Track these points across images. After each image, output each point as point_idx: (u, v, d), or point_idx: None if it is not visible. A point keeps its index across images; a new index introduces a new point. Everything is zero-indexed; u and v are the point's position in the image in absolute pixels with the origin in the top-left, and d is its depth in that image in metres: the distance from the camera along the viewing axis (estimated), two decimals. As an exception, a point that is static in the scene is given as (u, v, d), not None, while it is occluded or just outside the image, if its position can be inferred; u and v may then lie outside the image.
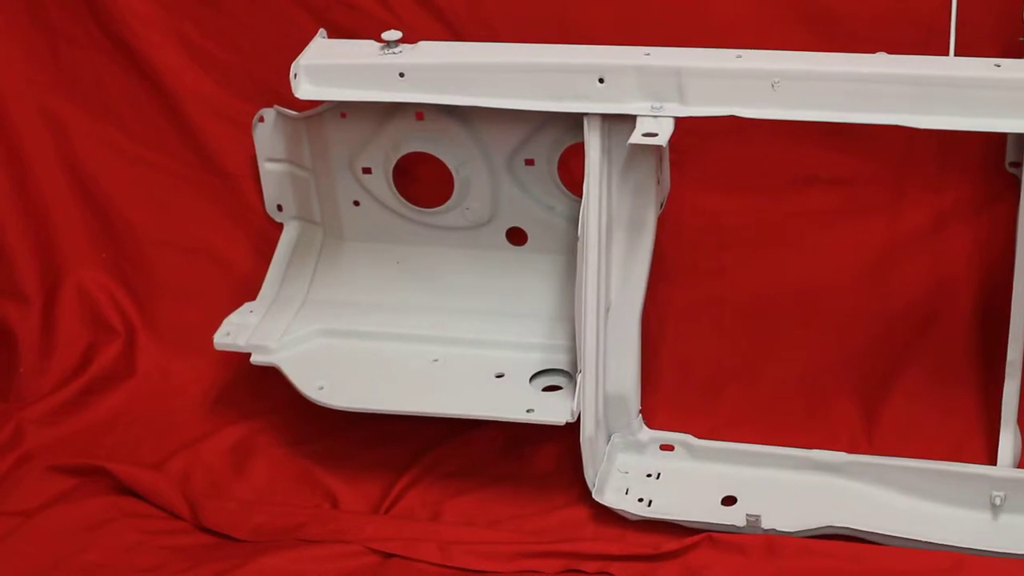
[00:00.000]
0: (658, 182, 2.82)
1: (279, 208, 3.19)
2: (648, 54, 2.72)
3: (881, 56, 2.68)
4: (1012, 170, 2.95)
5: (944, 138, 2.91)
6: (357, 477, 3.00)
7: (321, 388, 2.90)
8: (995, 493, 2.74)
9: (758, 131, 2.83)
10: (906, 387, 3.06)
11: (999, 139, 2.98)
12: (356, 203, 3.11)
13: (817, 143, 3.03)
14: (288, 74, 2.84)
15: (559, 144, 2.93)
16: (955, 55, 2.69)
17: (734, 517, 2.77)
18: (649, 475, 2.90)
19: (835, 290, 3.11)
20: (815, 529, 2.72)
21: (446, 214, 3.06)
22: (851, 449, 2.89)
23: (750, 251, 3.13)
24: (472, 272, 3.08)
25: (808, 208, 3.10)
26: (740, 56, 2.69)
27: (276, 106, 3.06)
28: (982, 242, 3.04)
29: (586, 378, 2.80)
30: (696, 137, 2.97)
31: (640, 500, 2.84)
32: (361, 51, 2.87)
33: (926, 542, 2.69)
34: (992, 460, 2.85)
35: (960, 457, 2.87)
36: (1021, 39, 2.77)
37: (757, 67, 2.65)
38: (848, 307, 3.11)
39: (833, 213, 3.10)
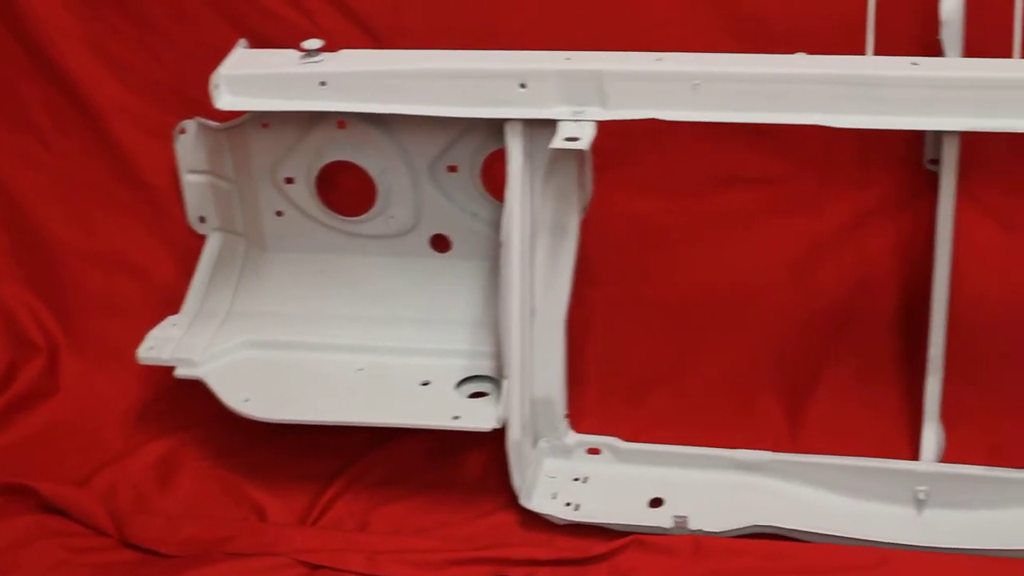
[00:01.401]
0: (581, 186, 2.82)
1: (201, 220, 3.16)
2: (569, 58, 2.73)
3: (800, 56, 2.69)
4: (931, 167, 2.97)
5: (865, 136, 2.93)
6: (284, 489, 2.98)
7: (246, 400, 2.88)
8: (919, 488, 2.76)
9: (680, 133, 2.86)
10: (830, 385, 3.08)
11: (918, 137, 3.01)
12: (279, 213, 3.09)
13: (740, 143, 3.04)
14: (208, 85, 2.84)
15: (482, 150, 2.93)
16: (873, 54, 2.72)
17: (661, 519, 2.77)
18: (576, 479, 2.90)
19: (759, 289, 3.13)
20: (741, 529, 2.73)
21: (369, 222, 3.05)
22: (776, 448, 2.90)
23: (674, 253, 3.14)
24: (396, 280, 3.06)
25: (731, 208, 3.12)
26: (660, 59, 2.70)
27: (197, 118, 3.05)
28: (903, 239, 3.07)
29: (512, 384, 2.80)
30: (619, 140, 2.97)
31: (568, 504, 2.84)
32: (282, 60, 2.85)
33: (851, 538, 2.71)
34: (916, 455, 2.88)
35: (884, 453, 2.88)
36: (938, 37, 2.80)
37: (677, 70, 2.66)
38: (772, 306, 3.13)
39: (756, 213, 3.11)
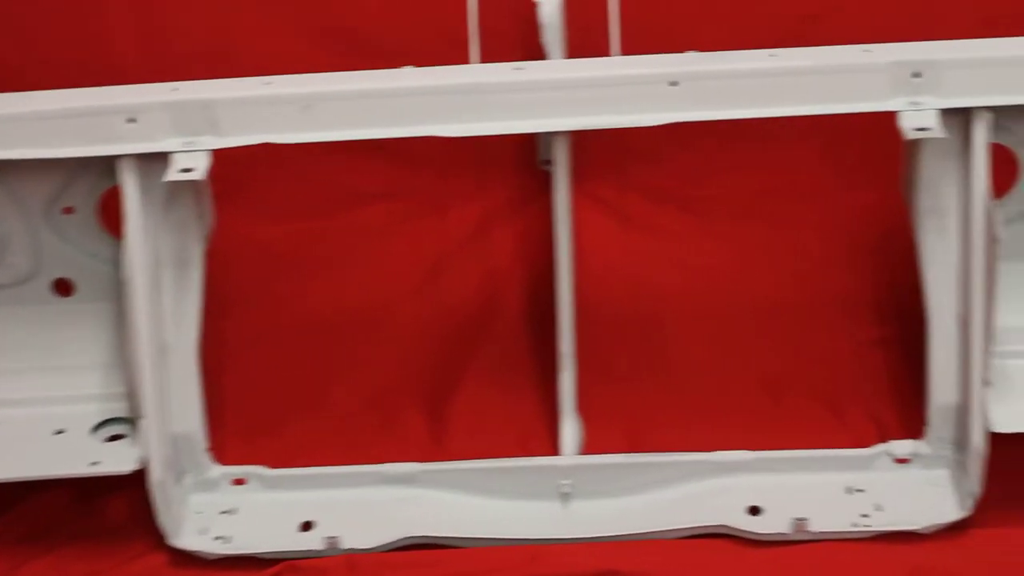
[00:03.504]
0: (200, 216, 2.79)
1: None
2: (176, 89, 2.70)
3: (408, 70, 2.72)
4: (545, 167, 3.05)
5: (480, 143, 2.94)
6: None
7: None
8: (562, 482, 2.82)
9: (300, 155, 2.85)
10: (469, 390, 3.11)
11: (531, 139, 3.09)
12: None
13: (361, 160, 3.08)
14: None
15: (96, 189, 2.85)
16: (479, 62, 2.77)
17: (313, 542, 2.77)
18: (225, 512, 2.86)
19: (392, 304, 3.16)
20: (394, 542, 2.75)
21: (-13, 273, 2.97)
22: (423, 458, 2.91)
23: (304, 275, 3.15)
24: (19, 329, 2.96)
25: (357, 225, 3.15)
26: (269, 83, 2.70)
27: None
28: (526, 240, 3.15)
29: (148, 423, 2.75)
30: (237, 167, 2.93)
31: (217, 538, 2.80)
32: None
33: (503, 539, 2.75)
34: (558, 451, 2.92)
35: (528, 452, 2.94)
36: (539, 41, 2.87)
37: (286, 92, 2.66)
38: (405, 319, 3.16)
39: (382, 228, 3.15)
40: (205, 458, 2.89)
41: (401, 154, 3.05)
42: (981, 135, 2.63)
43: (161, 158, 2.67)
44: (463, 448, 2.99)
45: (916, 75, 2.61)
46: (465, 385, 3.11)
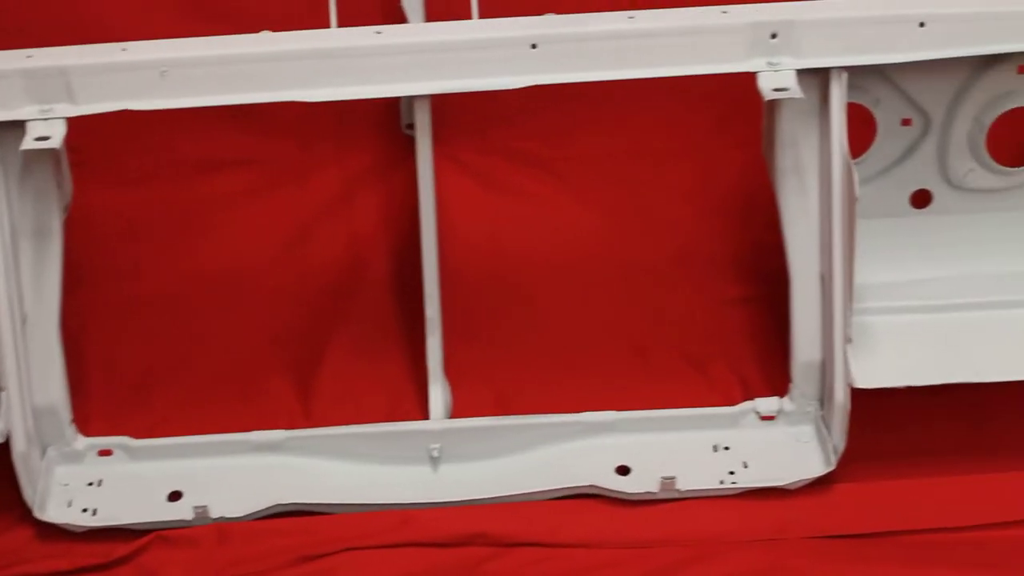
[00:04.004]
0: (59, 186, 2.74)
1: None
2: (30, 56, 2.64)
3: (265, 35, 2.68)
4: (409, 132, 3.04)
5: (342, 108, 2.95)
6: None
7: None
8: (432, 446, 2.83)
9: (159, 121, 2.80)
10: (336, 356, 3.10)
11: (394, 103, 3.07)
12: None
13: (220, 127, 3.05)
14: None
15: (-48, 159, 2.83)
16: (337, 26, 2.75)
17: (182, 511, 2.74)
18: (91, 483, 2.83)
19: (256, 271, 3.13)
20: (264, 510, 2.74)
21: None
22: (290, 425, 2.91)
23: (165, 244, 3.12)
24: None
25: (219, 192, 3.12)
26: (125, 49, 2.65)
27: None
28: (390, 205, 3.14)
29: (10, 394, 2.71)
30: (95, 135, 2.91)
31: (84, 510, 2.77)
32: None
33: (373, 504, 2.76)
34: (427, 415, 2.92)
35: (397, 417, 2.94)
36: (399, 5, 2.86)
37: (143, 58, 2.62)
38: (271, 286, 3.14)
39: (244, 194, 3.13)
40: (69, 430, 2.85)
41: (262, 120, 3.03)
42: (838, 95, 2.66)
43: (16, 126, 2.61)
44: (331, 415, 2.97)
45: (773, 36, 2.63)
46: (332, 352, 3.09)
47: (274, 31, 2.69)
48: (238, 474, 2.84)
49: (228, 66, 2.61)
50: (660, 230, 3.20)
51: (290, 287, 3.13)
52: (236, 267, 3.11)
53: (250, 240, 3.11)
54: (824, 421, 2.83)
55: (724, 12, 2.66)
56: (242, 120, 3.00)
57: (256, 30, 2.70)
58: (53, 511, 2.77)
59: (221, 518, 2.72)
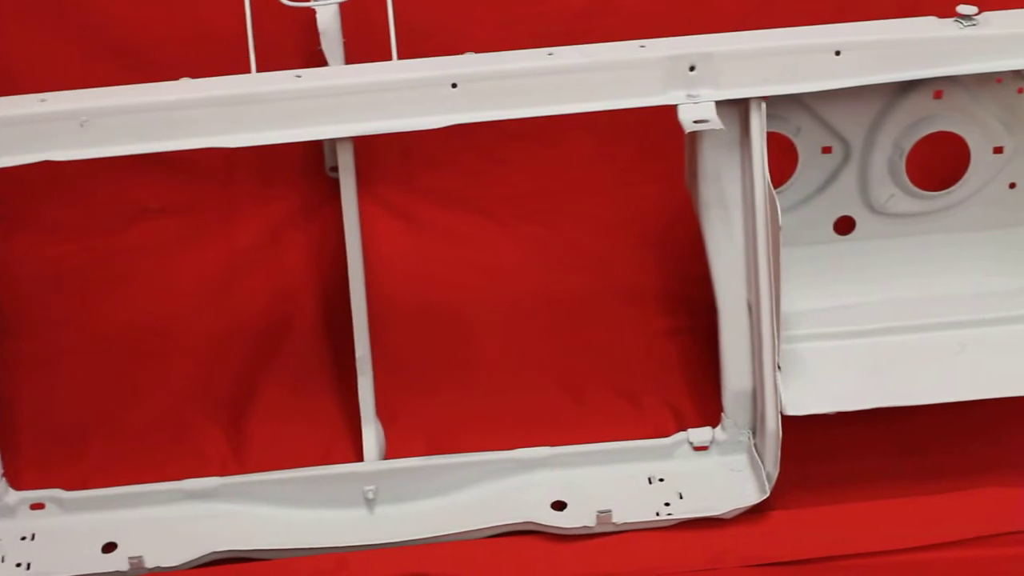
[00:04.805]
0: (-18, 239, 2.76)
1: None
2: (-50, 107, 2.65)
3: (185, 82, 2.68)
4: (333, 174, 3.04)
5: (265, 152, 2.92)
6: None
7: None
8: (367, 488, 2.82)
9: (82, 172, 2.80)
10: (268, 401, 3.09)
11: (317, 146, 3.08)
12: None
13: (143, 175, 3.04)
14: None
15: None
16: (257, 71, 2.75)
17: (117, 563, 2.72)
18: (23, 538, 2.80)
19: (184, 318, 3.12)
20: (199, 558, 2.72)
21: None
22: (223, 472, 2.90)
23: (92, 294, 3.10)
24: None
25: (143, 242, 3.11)
26: (44, 100, 2.63)
27: None
28: (317, 248, 3.14)
29: (-61, 450, 2.71)
30: (17, 186, 2.91)
31: (19, 565, 2.74)
32: None
33: (309, 548, 2.74)
34: (361, 457, 2.91)
35: (331, 460, 2.93)
36: (318, 48, 2.86)
37: (62, 108, 2.60)
38: (200, 332, 3.13)
39: (170, 242, 3.12)
40: (0, 484, 2.84)
41: (186, 167, 3.02)
42: (758, 125, 2.68)
43: (-62, 180, 2.63)
44: (264, 460, 2.96)
45: (692, 68, 2.64)
46: (263, 396, 3.09)
47: (194, 78, 2.69)
48: (173, 523, 2.82)
49: (149, 114, 2.59)
50: (588, 265, 3.22)
51: (219, 333, 3.11)
52: (164, 315, 3.10)
53: (178, 287, 3.10)
54: (757, 449, 2.84)
55: (642, 46, 2.67)
56: (166, 167, 2.99)
57: (175, 77, 2.70)
58: (-16, 568, 2.77)
59: (157, 568, 2.70)
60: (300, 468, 2.86)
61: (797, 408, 2.73)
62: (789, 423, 2.74)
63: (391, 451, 2.93)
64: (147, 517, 2.83)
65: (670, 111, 2.64)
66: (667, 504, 2.80)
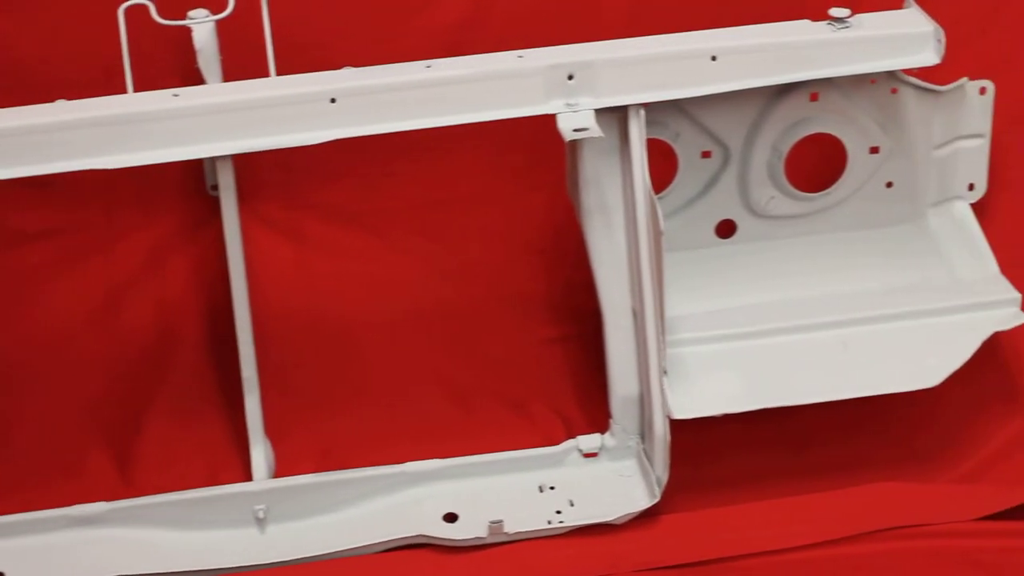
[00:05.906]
0: None
1: None
2: None
3: (61, 103, 2.65)
4: (214, 193, 3.01)
5: (146, 172, 2.85)
6: None
7: None
8: (257, 507, 2.80)
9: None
10: (154, 423, 3.05)
11: (198, 165, 3.05)
12: None
13: (20, 198, 2.98)
14: None
15: None
16: (134, 91, 2.72)
17: (5, 595, 2.70)
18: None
19: (67, 342, 3.07)
20: (88, 586, 2.70)
21: None
22: (111, 496, 2.84)
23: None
24: None
25: (24, 265, 3.05)
26: None
27: None
28: (200, 268, 3.10)
29: None
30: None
31: (-99, 601, 2.71)
32: None
33: (200, 571, 2.71)
34: (250, 476, 2.89)
35: (220, 480, 2.89)
36: (196, 66, 2.85)
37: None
38: (83, 357, 3.08)
39: (50, 265, 3.06)
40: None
41: (64, 189, 2.97)
42: (637, 131, 2.69)
43: None
44: (153, 483, 2.92)
45: (570, 77, 2.65)
46: (150, 419, 3.05)
47: (69, 99, 2.66)
48: (61, 551, 2.78)
49: (23, 137, 2.56)
50: (474, 275, 3.21)
51: (103, 356, 3.07)
52: (46, 340, 3.05)
53: (59, 311, 3.05)
54: (646, 454, 2.85)
55: (520, 56, 2.68)
56: (44, 190, 2.93)
57: (51, 99, 2.66)
58: None
59: (40, 601, 2.68)
60: (189, 490, 2.83)
61: (684, 412, 2.74)
62: (677, 427, 2.75)
63: (281, 469, 2.91)
64: (35, 545, 2.78)
65: (552, 119, 2.65)
66: (559, 512, 2.81)
